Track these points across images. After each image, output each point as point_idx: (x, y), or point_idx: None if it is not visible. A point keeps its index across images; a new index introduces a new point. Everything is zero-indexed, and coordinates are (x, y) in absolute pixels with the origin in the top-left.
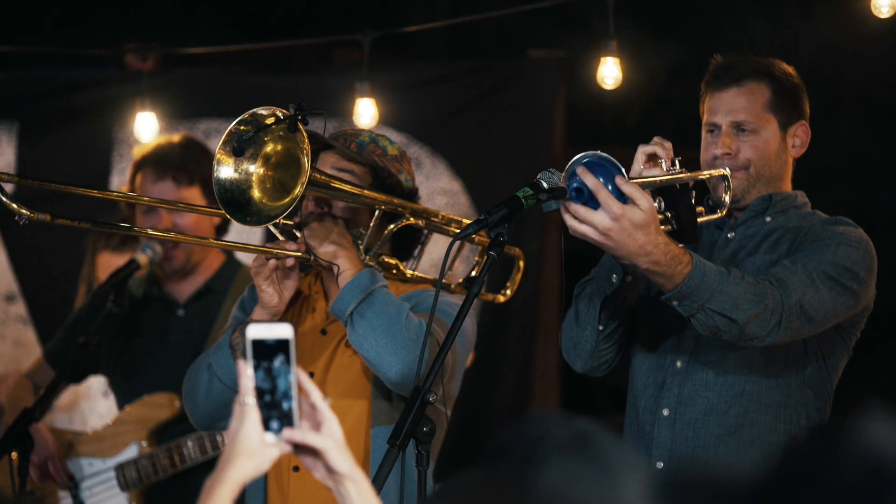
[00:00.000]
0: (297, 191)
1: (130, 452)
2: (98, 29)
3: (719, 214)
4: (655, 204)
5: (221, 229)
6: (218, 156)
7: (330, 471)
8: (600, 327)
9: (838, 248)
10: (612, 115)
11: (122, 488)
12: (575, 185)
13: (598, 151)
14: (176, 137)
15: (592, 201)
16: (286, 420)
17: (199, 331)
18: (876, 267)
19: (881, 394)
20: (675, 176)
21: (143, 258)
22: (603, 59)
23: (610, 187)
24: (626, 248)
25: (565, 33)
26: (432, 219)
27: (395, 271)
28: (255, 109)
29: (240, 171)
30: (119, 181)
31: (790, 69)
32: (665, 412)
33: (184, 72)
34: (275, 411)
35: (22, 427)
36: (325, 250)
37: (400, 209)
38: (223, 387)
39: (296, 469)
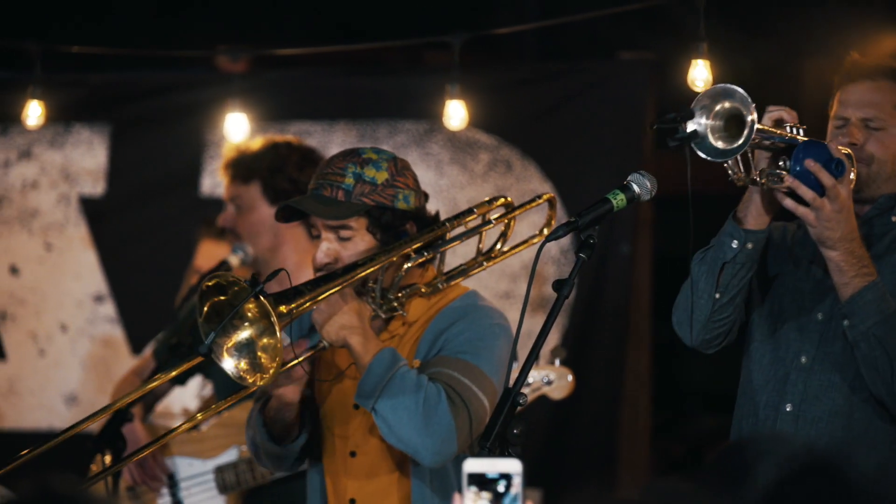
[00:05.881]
0: (275, 367)
1: (230, 456)
2: (190, 31)
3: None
4: (780, 163)
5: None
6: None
7: None
8: (717, 295)
9: None
10: None
11: (221, 491)
12: (798, 168)
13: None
14: (259, 141)
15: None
16: None
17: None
18: None
19: None
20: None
21: (234, 260)
22: (693, 62)
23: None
24: (836, 228)
25: (655, 35)
26: (439, 240)
27: (420, 292)
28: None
29: (237, 349)
30: (210, 183)
31: None
32: (788, 408)
33: (274, 74)
34: None
35: (115, 427)
36: (333, 335)
37: (402, 256)
38: (279, 448)
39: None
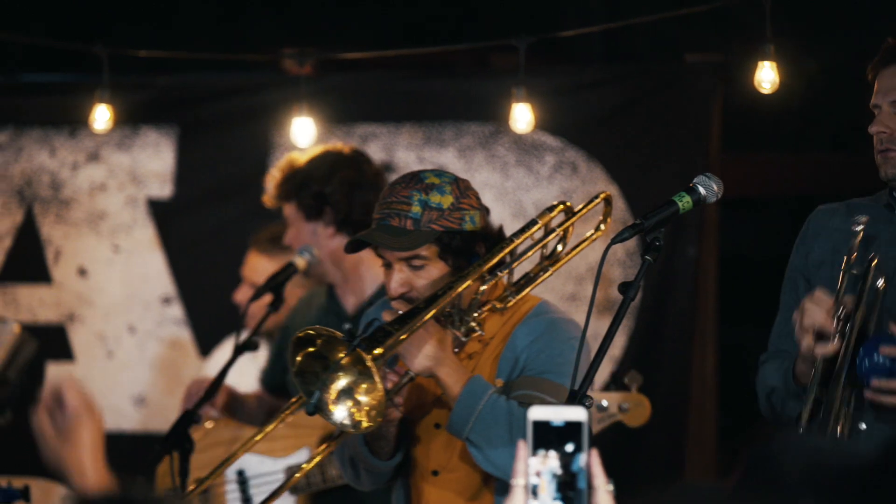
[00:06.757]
0: (378, 408)
1: (301, 456)
2: (256, 34)
3: None
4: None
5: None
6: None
7: None
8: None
9: None
10: (769, 119)
11: (291, 491)
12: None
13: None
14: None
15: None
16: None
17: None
18: None
19: None
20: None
21: (300, 261)
22: (760, 63)
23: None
24: None
25: (722, 37)
26: (509, 256)
27: (495, 307)
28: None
29: (339, 398)
30: None
31: None
32: (862, 426)
33: (341, 77)
34: (567, 496)
35: (183, 429)
36: (422, 367)
37: (475, 279)
38: (382, 464)
39: (435, 473)
